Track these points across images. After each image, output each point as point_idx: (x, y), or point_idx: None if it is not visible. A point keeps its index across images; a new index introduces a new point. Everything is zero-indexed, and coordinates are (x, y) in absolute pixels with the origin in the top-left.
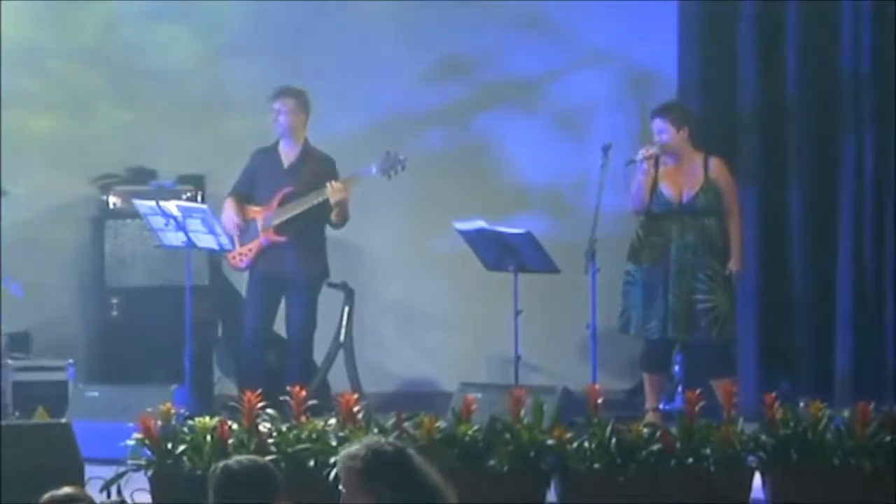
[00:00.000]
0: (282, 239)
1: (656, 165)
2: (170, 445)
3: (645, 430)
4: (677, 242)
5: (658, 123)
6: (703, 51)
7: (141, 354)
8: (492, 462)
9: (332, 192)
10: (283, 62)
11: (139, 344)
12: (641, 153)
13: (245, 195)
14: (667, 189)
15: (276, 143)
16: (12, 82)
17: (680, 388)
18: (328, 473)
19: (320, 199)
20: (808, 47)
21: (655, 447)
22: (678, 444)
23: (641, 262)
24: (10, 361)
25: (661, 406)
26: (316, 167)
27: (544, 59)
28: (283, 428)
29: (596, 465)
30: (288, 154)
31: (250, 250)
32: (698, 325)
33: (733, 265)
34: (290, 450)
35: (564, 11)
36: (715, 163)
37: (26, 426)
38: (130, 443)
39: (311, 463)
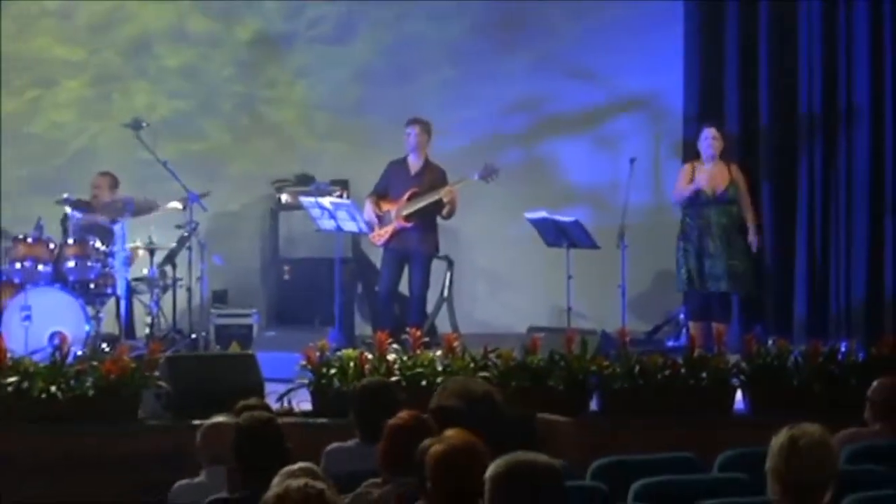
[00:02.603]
0: (408, 225)
1: (693, 168)
2: (325, 370)
3: (659, 360)
4: (715, 223)
5: (713, 131)
6: (703, 87)
7: (304, 305)
8: (551, 382)
9: (446, 193)
10: (412, 94)
11: (303, 298)
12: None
13: (382, 193)
14: (707, 186)
15: (406, 157)
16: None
17: (684, 330)
18: (429, 387)
19: (436, 198)
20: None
21: (666, 372)
22: (682, 370)
23: (690, 238)
24: (213, 311)
25: (669, 343)
26: (433, 174)
27: (588, 98)
28: (405, 358)
29: (624, 385)
30: (414, 164)
31: (386, 232)
32: (734, 283)
33: (752, 239)
34: (408, 373)
35: (603, 64)
36: (734, 167)
37: (224, 356)
38: (297, 368)
39: (424, 383)
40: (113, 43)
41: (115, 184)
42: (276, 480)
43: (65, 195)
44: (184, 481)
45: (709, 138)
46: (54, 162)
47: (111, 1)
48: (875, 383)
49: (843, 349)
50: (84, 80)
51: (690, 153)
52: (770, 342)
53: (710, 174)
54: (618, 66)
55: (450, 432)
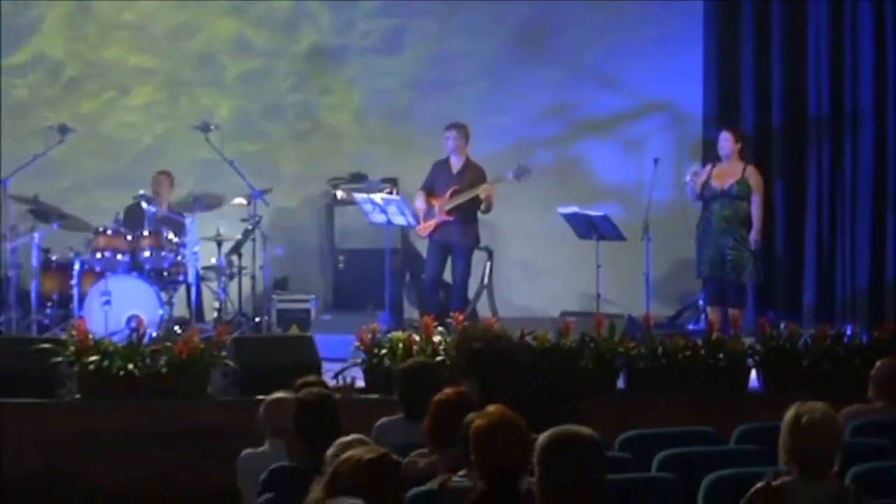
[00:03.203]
0: (451, 218)
1: (713, 167)
2: (376, 350)
3: (680, 342)
4: (718, 215)
5: (727, 134)
6: (721, 93)
7: (358, 292)
8: (582, 362)
9: (484, 190)
10: (453, 101)
11: (356, 285)
12: (689, 176)
13: (428, 190)
14: (715, 182)
15: (448, 157)
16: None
17: (703, 315)
18: None
19: (475, 194)
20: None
21: (687, 352)
22: (702, 351)
23: (705, 232)
24: (274, 296)
25: (689, 326)
26: (473, 173)
27: (615, 104)
28: (448, 339)
29: (649, 364)
30: (455, 164)
31: (431, 225)
32: (725, 270)
33: (753, 238)
34: (452, 354)
35: (628, 73)
36: (750, 168)
37: (285, 337)
38: (351, 348)
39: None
40: (182, 52)
41: (172, 182)
42: (330, 451)
43: (141, 192)
44: (249, 450)
45: (725, 140)
46: (123, 159)
47: (182, 14)
48: (878, 364)
49: (848, 333)
50: (154, 86)
51: (710, 153)
52: (782, 326)
53: (721, 170)
54: (641, 74)
55: (491, 408)
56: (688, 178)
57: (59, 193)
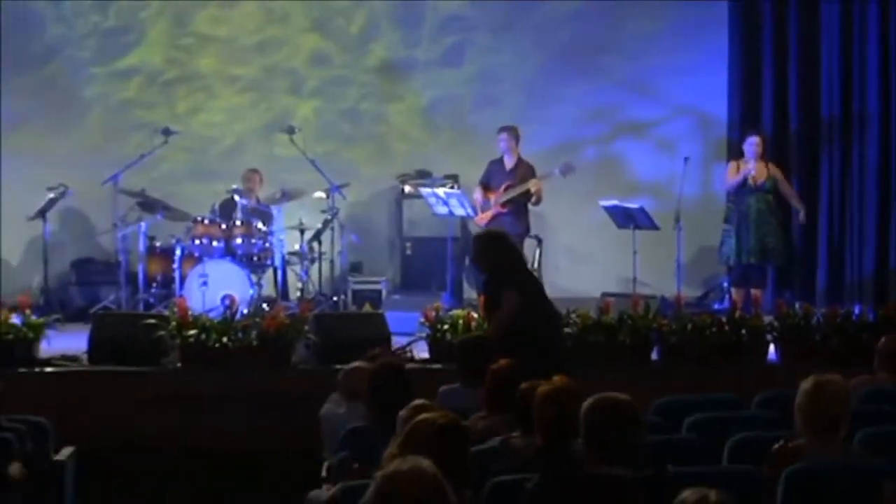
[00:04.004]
0: (504, 210)
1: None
2: (439, 326)
3: (707, 319)
4: (754, 208)
5: (756, 139)
6: (743, 99)
7: (423, 275)
8: (620, 337)
9: (534, 185)
10: (507, 107)
11: (422, 269)
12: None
13: (484, 185)
14: (749, 179)
15: (502, 156)
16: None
17: (727, 296)
18: None
19: (526, 188)
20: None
21: (713, 329)
22: (726, 327)
23: (731, 221)
24: (350, 278)
25: (715, 306)
26: (524, 170)
27: (650, 109)
28: None
29: (679, 339)
30: (508, 163)
31: (487, 216)
32: (765, 256)
33: (802, 218)
34: None
35: (661, 81)
36: (772, 165)
37: (359, 314)
38: (418, 324)
39: None
40: (266, 63)
41: (262, 178)
42: (402, 413)
43: (234, 186)
44: (331, 405)
45: (753, 144)
46: (209, 155)
47: (269, 30)
48: (883, 339)
49: (856, 312)
50: (238, 91)
51: (734, 152)
52: (797, 306)
53: (747, 168)
54: (673, 84)
55: (557, 378)
56: (751, 170)
57: (152, 182)
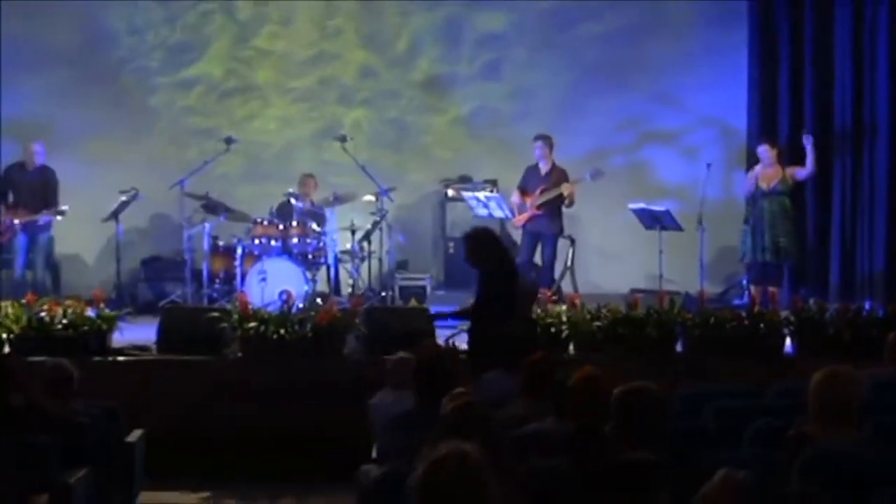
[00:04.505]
0: (540, 212)
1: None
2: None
3: (728, 314)
4: (767, 210)
5: (763, 147)
6: (762, 110)
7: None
8: (647, 330)
9: (567, 189)
10: (542, 117)
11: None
12: (750, 176)
13: (522, 189)
14: (762, 183)
15: (537, 163)
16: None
17: (746, 292)
18: (557, 333)
19: (560, 192)
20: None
21: (734, 323)
22: (746, 322)
23: (749, 223)
24: (397, 275)
25: (735, 302)
26: (558, 175)
27: (675, 119)
28: (539, 311)
29: (701, 332)
30: (543, 168)
31: (524, 218)
32: (778, 255)
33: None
34: (542, 323)
35: (686, 93)
36: (788, 168)
37: (406, 308)
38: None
39: (553, 330)
40: (318, 76)
41: (316, 183)
42: (445, 400)
43: (290, 189)
44: (382, 394)
45: (763, 151)
46: (262, 159)
47: (322, 46)
48: (892, 334)
49: (867, 307)
50: (290, 100)
51: (753, 160)
52: (812, 302)
53: (766, 174)
54: (697, 96)
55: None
56: (756, 176)
57: (209, 184)
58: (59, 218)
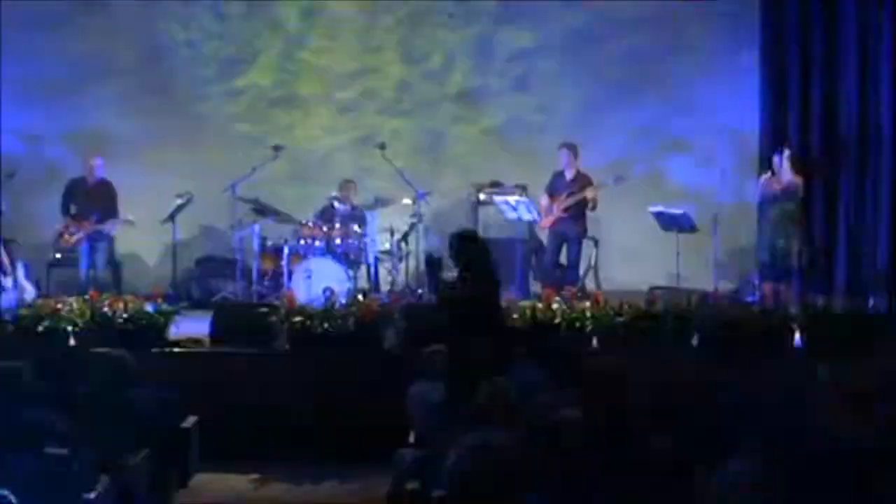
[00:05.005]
0: (566, 215)
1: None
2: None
3: (740, 310)
4: (775, 214)
5: (779, 157)
6: (773, 120)
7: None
8: (667, 324)
9: (590, 193)
10: (567, 127)
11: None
12: (762, 182)
13: (549, 193)
14: (772, 188)
15: (563, 169)
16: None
17: (758, 291)
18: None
19: (584, 196)
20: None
21: (746, 318)
22: (757, 317)
23: (761, 226)
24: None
25: (748, 298)
26: (582, 180)
27: (693, 128)
28: (565, 307)
29: (715, 326)
30: (568, 174)
31: (551, 220)
32: (788, 255)
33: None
34: (567, 318)
35: (703, 103)
36: (797, 177)
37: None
38: None
39: (577, 325)
40: (359, 88)
41: (356, 187)
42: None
43: (332, 193)
44: (419, 383)
45: (779, 159)
46: (304, 165)
47: (363, 60)
48: None
49: (870, 304)
50: (332, 110)
51: (764, 166)
52: (819, 299)
53: (775, 180)
54: (712, 106)
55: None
56: (762, 182)
57: (255, 187)
58: (122, 227)
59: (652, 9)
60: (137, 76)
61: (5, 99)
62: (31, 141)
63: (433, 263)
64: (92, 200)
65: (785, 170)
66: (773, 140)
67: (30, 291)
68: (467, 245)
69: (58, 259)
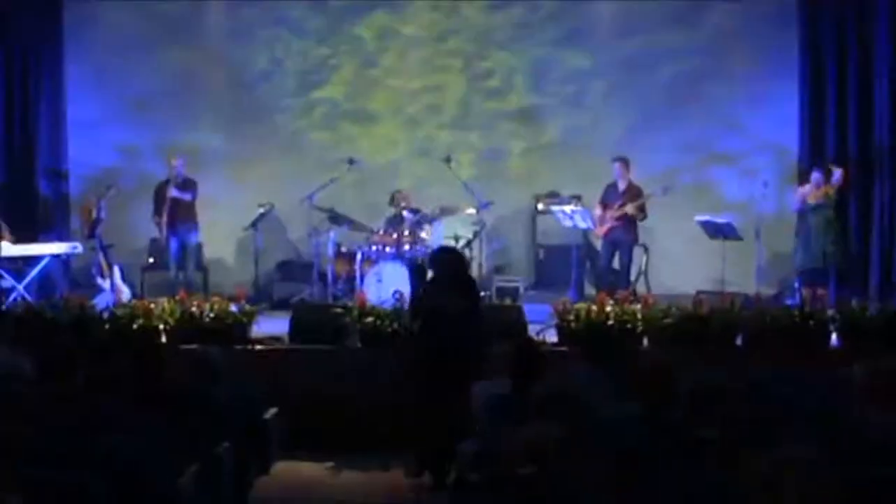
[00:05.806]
0: (618, 223)
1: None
2: (566, 316)
3: (781, 313)
4: (814, 222)
5: (818, 174)
6: (812, 136)
7: (553, 275)
8: (712, 326)
9: (642, 200)
10: (620, 141)
11: (552, 270)
12: (802, 193)
13: (603, 203)
14: (810, 199)
15: (616, 181)
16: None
17: (798, 294)
18: (633, 328)
19: (635, 206)
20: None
21: (787, 320)
22: (797, 319)
23: (800, 234)
24: (495, 277)
25: (788, 301)
26: (633, 191)
27: (737, 142)
28: (617, 310)
29: (759, 328)
30: (620, 185)
31: (605, 228)
32: (825, 261)
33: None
34: (619, 319)
35: (747, 119)
36: (832, 187)
37: (503, 306)
38: (548, 315)
39: (629, 326)
40: (424, 104)
41: (408, 197)
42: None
43: (402, 203)
44: (482, 382)
45: (819, 175)
46: (370, 174)
47: (429, 79)
48: None
49: None
50: (398, 124)
51: (804, 178)
52: (854, 301)
53: (813, 192)
54: (755, 122)
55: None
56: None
57: (324, 195)
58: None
59: (698, 38)
60: (225, 93)
61: (106, 116)
62: (127, 154)
63: (417, 270)
64: (176, 199)
65: (822, 183)
66: (811, 153)
67: (126, 293)
68: (439, 258)
69: (151, 263)
